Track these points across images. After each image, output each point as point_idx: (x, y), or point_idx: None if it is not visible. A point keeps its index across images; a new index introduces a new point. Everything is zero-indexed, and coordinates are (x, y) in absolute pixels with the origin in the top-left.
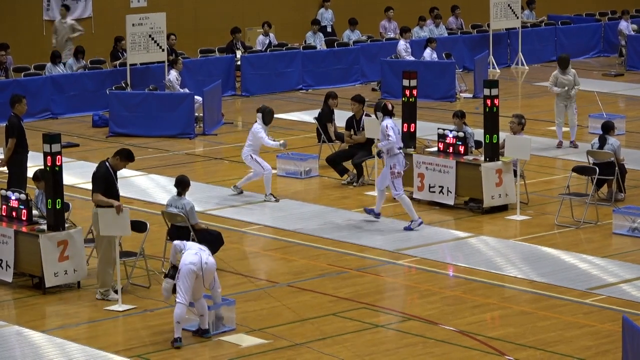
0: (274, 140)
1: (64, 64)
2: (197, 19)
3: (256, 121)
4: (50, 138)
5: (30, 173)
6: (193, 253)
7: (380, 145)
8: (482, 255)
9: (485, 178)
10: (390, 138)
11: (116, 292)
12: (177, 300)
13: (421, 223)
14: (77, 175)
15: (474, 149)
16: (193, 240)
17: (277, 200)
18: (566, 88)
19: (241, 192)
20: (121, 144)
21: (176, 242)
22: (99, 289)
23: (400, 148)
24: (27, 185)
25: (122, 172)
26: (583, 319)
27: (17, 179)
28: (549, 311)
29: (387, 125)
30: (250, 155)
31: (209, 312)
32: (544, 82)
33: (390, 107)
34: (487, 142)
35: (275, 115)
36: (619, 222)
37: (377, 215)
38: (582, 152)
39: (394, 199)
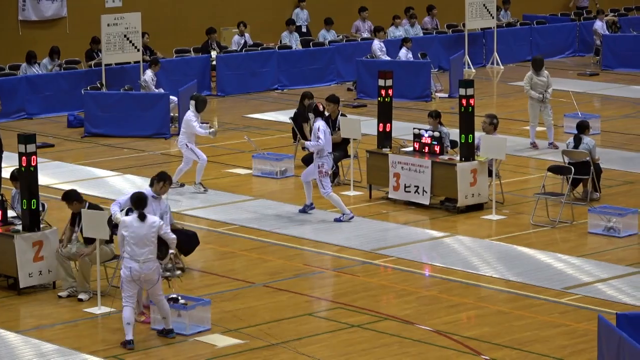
0: (204, 129)
1: (39, 64)
2: (172, 19)
3: (189, 109)
4: (25, 138)
5: (5, 173)
6: (128, 266)
7: (308, 145)
8: (457, 255)
9: (461, 178)
10: (320, 140)
11: (86, 292)
12: (123, 304)
13: (352, 217)
14: (53, 175)
15: (449, 148)
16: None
17: (205, 191)
18: (540, 90)
19: (182, 185)
20: (96, 144)
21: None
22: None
23: (330, 152)
24: (3, 185)
25: (98, 172)
26: (559, 319)
27: None
28: (525, 311)
29: (319, 127)
30: (186, 144)
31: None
32: (519, 82)
33: (321, 108)
34: (463, 141)
35: (251, 115)
36: (595, 221)
37: (311, 206)
38: (557, 151)
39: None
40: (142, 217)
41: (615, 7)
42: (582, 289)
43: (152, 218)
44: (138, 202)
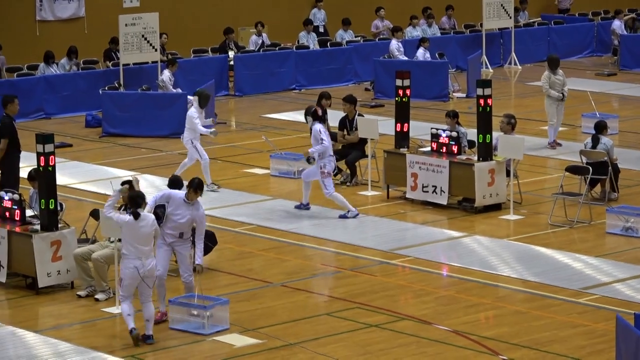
0: (206, 128)
1: (57, 64)
2: (189, 19)
3: (192, 104)
4: (44, 138)
5: (22, 173)
6: (131, 266)
7: (312, 151)
8: (475, 255)
9: (478, 177)
10: (324, 142)
11: (103, 291)
12: (121, 300)
13: (357, 214)
14: (71, 175)
15: (467, 148)
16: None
17: (218, 188)
18: (558, 89)
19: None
20: (114, 144)
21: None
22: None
23: (332, 155)
24: (21, 185)
25: (115, 172)
26: (577, 319)
27: (10, 179)
28: (543, 311)
29: (320, 130)
30: (191, 141)
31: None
32: (537, 82)
33: (320, 112)
34: (480, 141)
35: (269, 115)
36: (613, 221)
37: (307, 206)
38: (575, 151)
39: (326, 198)
40: (136, 216)
41: (634, 7)
42: (600, 289)
43: (148, 216)
44: (133, 201)
